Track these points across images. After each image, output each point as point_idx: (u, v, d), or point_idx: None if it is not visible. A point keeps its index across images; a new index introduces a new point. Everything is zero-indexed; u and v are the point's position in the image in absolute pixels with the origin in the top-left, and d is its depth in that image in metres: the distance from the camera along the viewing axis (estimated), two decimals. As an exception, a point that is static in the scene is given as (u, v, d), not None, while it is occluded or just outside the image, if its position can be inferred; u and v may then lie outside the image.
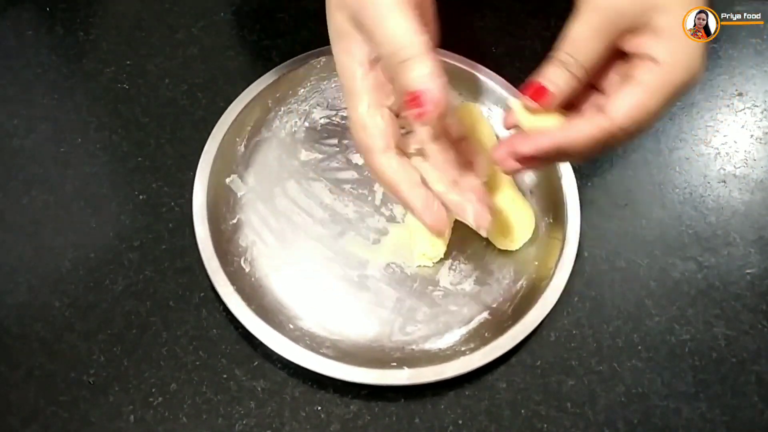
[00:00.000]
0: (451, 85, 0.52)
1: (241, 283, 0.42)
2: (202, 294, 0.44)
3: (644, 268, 0.47)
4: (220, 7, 0.57)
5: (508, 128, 0.40)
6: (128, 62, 0.54)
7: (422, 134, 0.39)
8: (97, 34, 0.55)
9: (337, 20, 0.37)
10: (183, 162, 0.49)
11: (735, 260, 0.48)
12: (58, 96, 0.52)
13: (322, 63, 0.51)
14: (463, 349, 0.42)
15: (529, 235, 0.46)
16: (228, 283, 0.42)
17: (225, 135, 0.47)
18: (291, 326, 0.43)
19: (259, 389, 0.42)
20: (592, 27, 0.35)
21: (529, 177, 0.50)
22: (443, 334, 0.44)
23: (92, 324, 0.43)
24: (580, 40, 0.36)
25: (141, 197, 0.48)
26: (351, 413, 0.41)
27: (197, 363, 0.42)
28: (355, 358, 0.41)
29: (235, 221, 0.46)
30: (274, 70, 0.50)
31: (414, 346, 0.43)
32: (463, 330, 0.44)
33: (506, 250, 0.47)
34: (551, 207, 0.48)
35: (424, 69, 0.34)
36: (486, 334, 0.43)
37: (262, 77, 0.50)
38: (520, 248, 0.46)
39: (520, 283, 0.46)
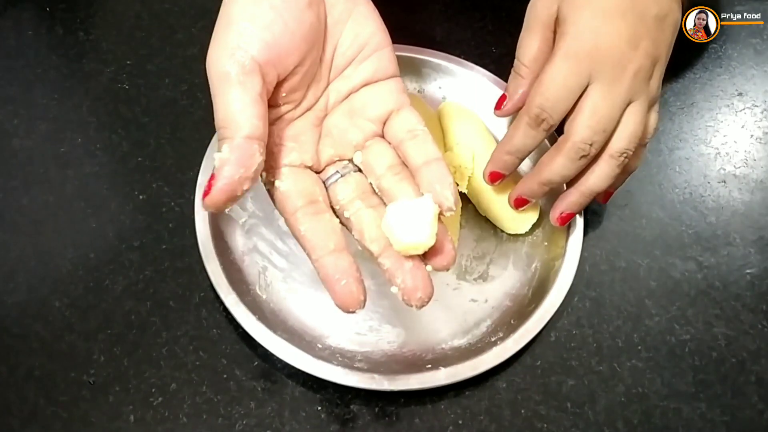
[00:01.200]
0: (445, 84, 0.52)
1: (261, 312, 0.42)
2: (202, 294, 0.44)
3: (644, 268, 0.47)
4: (220, 7, 0.57)
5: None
6: (128, 62, 0.54)
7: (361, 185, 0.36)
8: (97, 34, 0.55)
9: None
10: (183, 162, 0.49)
11: (735, 260, 0.48)
12: (58, 96, 0.52)
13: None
14: (493, 339, 0.42)
15: (536, 217, 0.47)
16: (249, 313, 0.41)
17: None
18: (320, 346, 0.42)
19: (259, 389, 0.42)
20: (524, 28, 0.43)
21: (525, 164, 0.50)
22: (470, 328, 0.44)
23: (92, 324, 0.43)
24: (520, 41, 0.43)
25: (141, 197, 0.48)
26: (351, 413, 0.41)
27: (197, 363, 0.42)
28: (390, 367, 0.41)
29: (242, 250, 0.46)
30: None
31: (444, 345, 0.43)
32: (489, 321, 0.44)
33: (516, 235, 0.47)
34: (552, 189, 0.48)
35: (226, 153, 0.30)
36: (512, 321, 0.43)
37: None
38: (528, 231, 0.47)
39: (534, 265, 0.46)
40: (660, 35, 0.41)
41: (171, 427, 0.40)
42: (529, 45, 0.42)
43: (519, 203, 0.45)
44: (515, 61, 0.44)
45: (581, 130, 0.40)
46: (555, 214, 0.44)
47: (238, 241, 0.46)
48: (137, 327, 0.43)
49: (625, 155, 0.41)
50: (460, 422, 0.41)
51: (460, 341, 0.43)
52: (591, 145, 0.40)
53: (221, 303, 0.42)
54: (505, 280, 0.46)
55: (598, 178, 0.41)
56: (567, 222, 0.44)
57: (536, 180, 0.43)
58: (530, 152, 0.43)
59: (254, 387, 0.42)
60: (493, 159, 0.44)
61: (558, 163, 0.41)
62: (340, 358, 0.41)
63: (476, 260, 0.47)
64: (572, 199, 0.43)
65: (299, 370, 0.40)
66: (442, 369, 0.40)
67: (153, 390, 0.41)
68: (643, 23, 0.40)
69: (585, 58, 0.39)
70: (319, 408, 0.41)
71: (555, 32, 0.41)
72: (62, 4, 0.56)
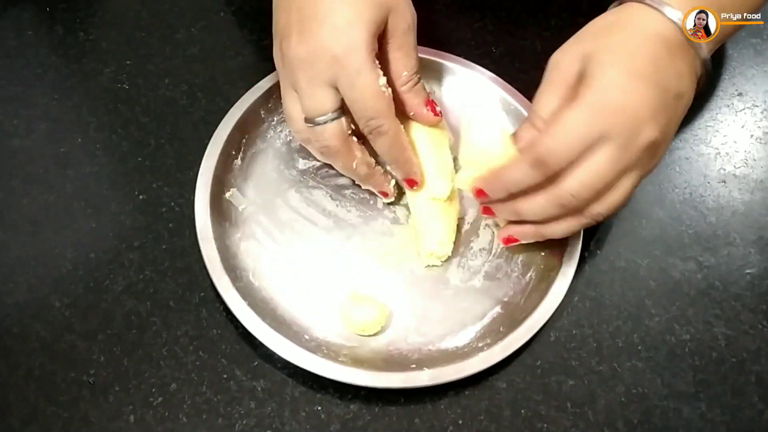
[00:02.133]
0: (447, 85, 0.52)
1: (252, 299, 0.42)
2: (202, 294, 0.44)
3: (644, 268, 0.47)
4: (220, 7, 0.57)
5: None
6: (128, 62, 0.54)
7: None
8: (97, 34, 0.55)
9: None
10: (183, 162, 0.49)
11: (735, 260, 0.48)
12: (58, 96, 0.52)
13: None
14: (480, 345, 0.42)
15: None
16: (240, 298, 0.41)
17: (221, 150, 0.46)
18: (307, 337, 0.42)
19: (259, 389, 0.42)
20: (545, 81, 0.42)
21: None
22: (458, 332, 0.44)
23: (92, 324, 0.43)
24: (539, 93, 0.42)
25: (141, 197, 0.48)
26: (351, 413, 0.41)
27: (197, 363, 0.42)
28: (375, 364, 0.41)
29: (239, 236, 0.46)
30: (267, 78, 0.49)
31: (431, 347, 0.43)
32: (478, 326, 0.44)
33: None
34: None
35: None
36: (501, 329, 0.43)
37: (252, 88, 0.49)
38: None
39: (529, 274, 0.46)
40: (674, 115, 0.40)
41: (171, 427, 0.40)
42: (549, 100, 0.41)
43: (486, 211, 0.44)
44: (531, 112, 0.42)
45: (575, 182, 0.38)
46: (503, 234, 0.44)
47: (236, 228, 0.46)
48: (137, 327, 0.43)
49: (573, 197, 0.39)
50: (460, 422, 0.42)
51: (448, 344, 0.43)
52: (575, 197, 0.38)
53: (221, 303, 0.42)
54: (498, 288, 0.46)
55: (530, 204, 0.41)
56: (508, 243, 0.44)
57: (511, 207, 0.41)
58: (520, 190, 0.40)
59: (254, 387, 0.42)
60: (486, 179, 0.41)
61: (537, 203, 0.40)
62: (325, 351, 0.41)
63: (472, 266, 0.46)
64: (524, 229, 0.43)
65: (299, 370, 0.40)
66: (426, 370, 0.40)
67: (153, 390, 0.41)
68: (664, 98, 0.39)
69: (606, 113, 0.37)
70: (319, 408, 0.41)
71: (575, 89, 0.39)
72: (62, 4, 0.56)
